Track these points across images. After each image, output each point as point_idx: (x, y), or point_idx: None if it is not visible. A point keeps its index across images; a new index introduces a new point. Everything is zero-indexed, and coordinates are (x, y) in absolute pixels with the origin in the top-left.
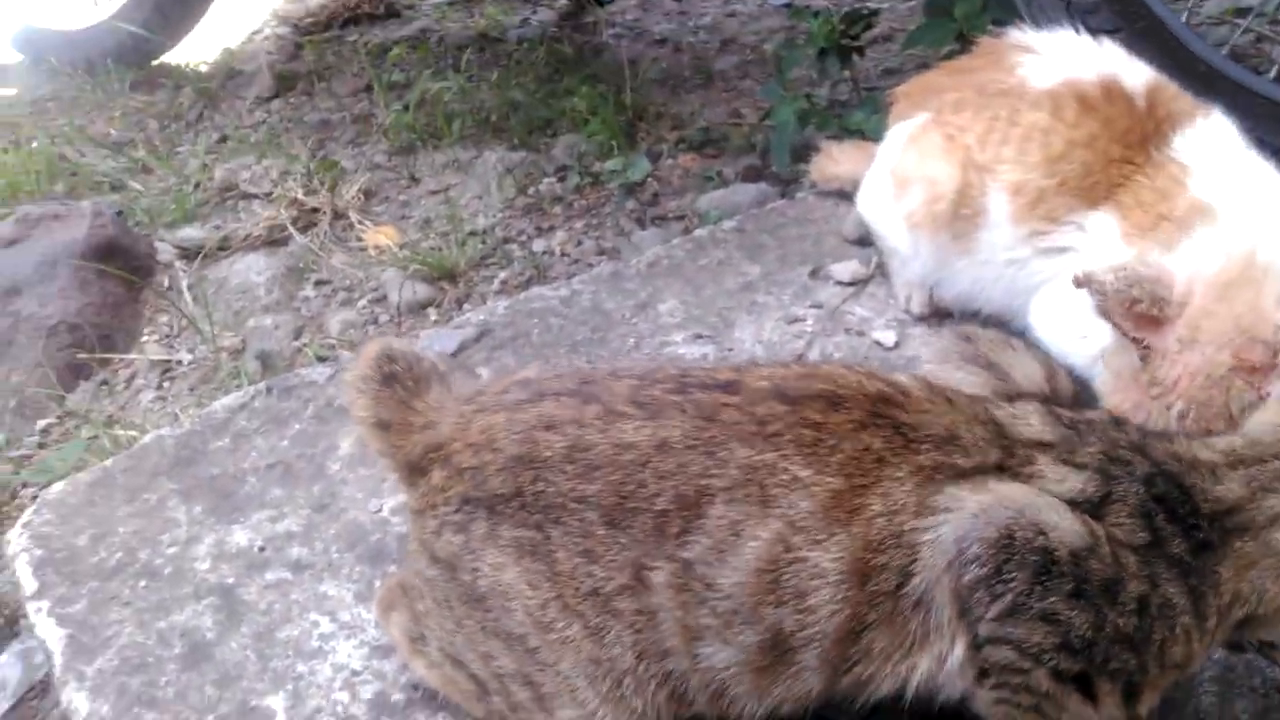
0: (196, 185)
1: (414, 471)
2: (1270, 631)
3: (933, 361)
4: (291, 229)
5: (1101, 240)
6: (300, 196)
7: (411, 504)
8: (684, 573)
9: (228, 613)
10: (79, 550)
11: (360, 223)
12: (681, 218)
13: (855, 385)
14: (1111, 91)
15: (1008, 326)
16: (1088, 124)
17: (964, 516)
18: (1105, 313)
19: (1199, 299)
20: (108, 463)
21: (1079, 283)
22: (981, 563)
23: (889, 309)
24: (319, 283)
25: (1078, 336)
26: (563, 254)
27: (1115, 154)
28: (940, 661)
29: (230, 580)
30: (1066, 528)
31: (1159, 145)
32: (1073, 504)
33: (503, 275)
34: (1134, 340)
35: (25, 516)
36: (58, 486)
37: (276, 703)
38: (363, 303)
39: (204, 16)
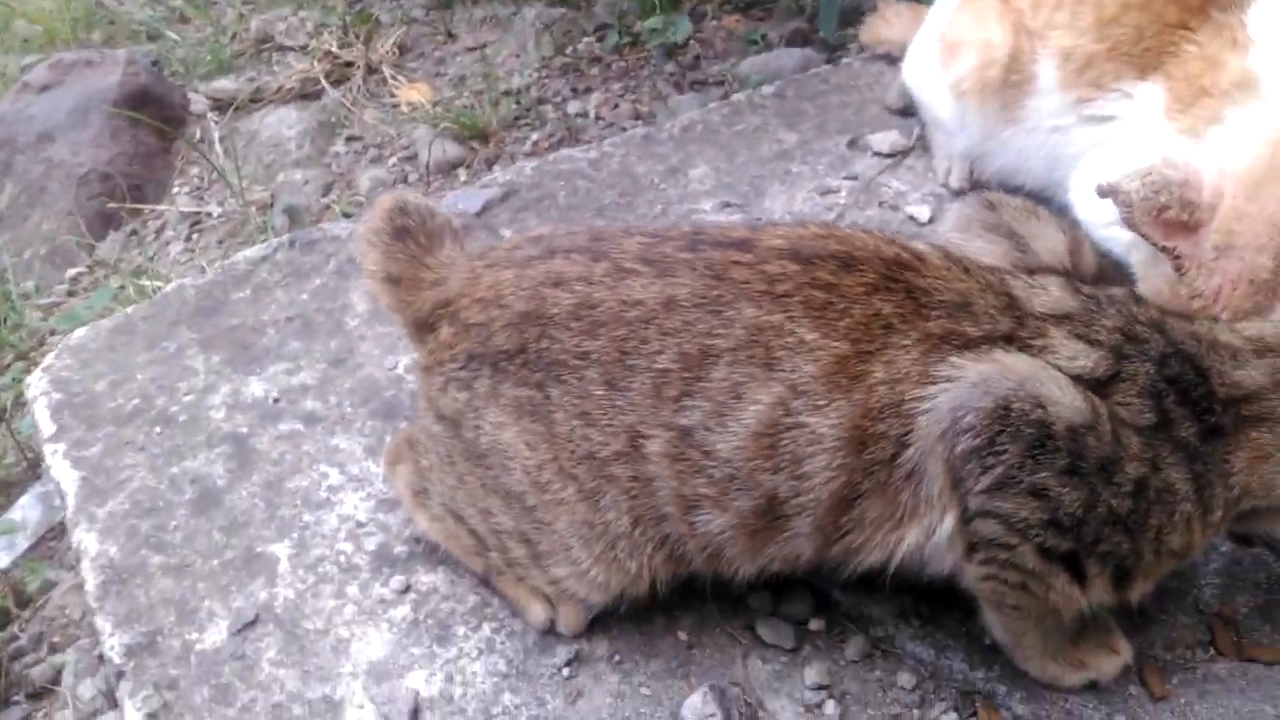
0: (233, 36)
1: (422, 328)
2: (1275, 524)
3: (954, 228)
4: (325, 82)
5: (1146, 112)
6: (334, 49)
7: (420, 360)
8: (680, 441)
9: (239, 461)
10: (97, 395)
11: (394, 78)
12: (721, 82)
13: (872, 248)
14: None
15: (1049, 204)
16: None
17: (963, 386)
18: (1133, 224)
19: (1229, 199)
20: (129, 310)
21: (1103, 192)
22: (975, 433)
23: (927, 183)
24: (350, 139)
25: (1115, 218)
26: (598, 117)
27: (1171, 17)
28: (929, 534)
29: (244, 430)
30: (1067, 403)
31: (1225, 7)
32: (1079, 379)
33: (535, 137)
34: (1166, 250)
35: (46, 361)
36: (79, 332)
37: (281, 550)
38: (393, 160)
39: None
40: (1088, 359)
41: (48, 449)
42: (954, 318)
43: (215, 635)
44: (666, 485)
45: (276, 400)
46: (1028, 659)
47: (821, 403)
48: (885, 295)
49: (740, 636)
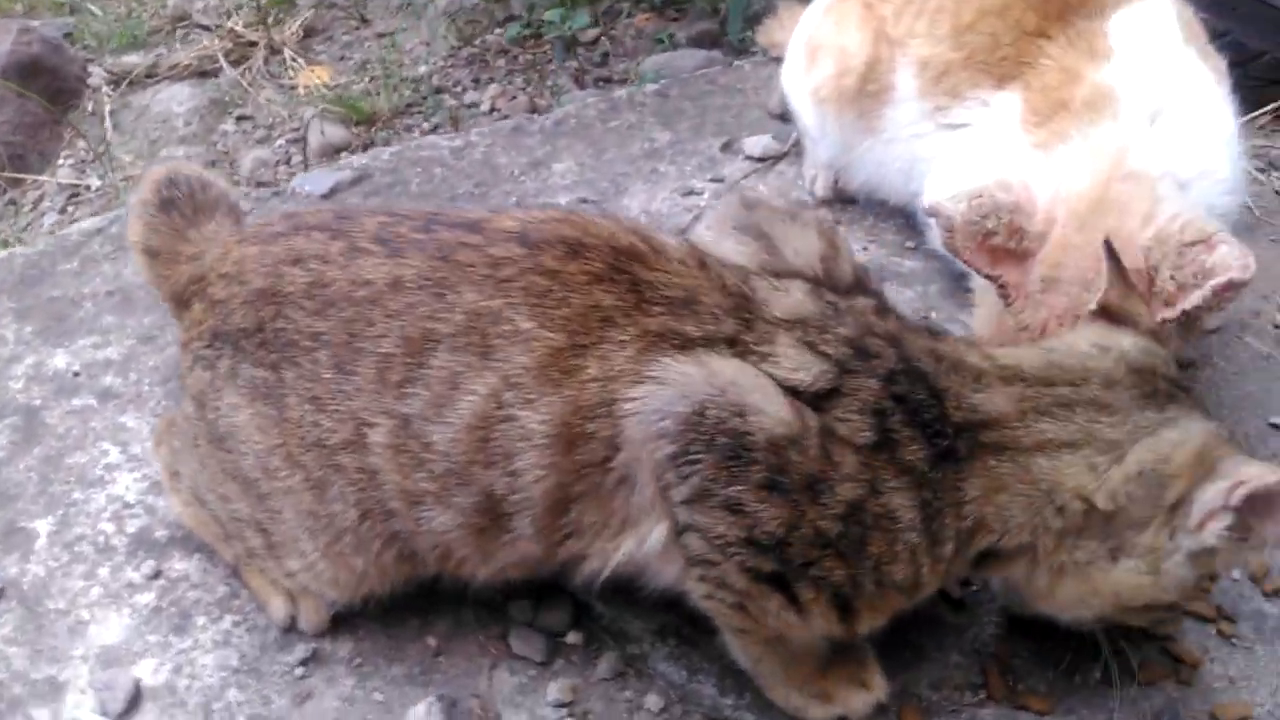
0: (152, 14)
1: (180, 304)
2: (1009, 576)
3: (709, 226)
4: (224, 61)
5: (1002, 123)
6: (239, 28)
7: (179, 337)
8: (402, 431)
9: (25, 434)
10: None
11: (294, 60)
12: (625, 80)
13: (606, 235)
14: None
15: (912, 219)
16: None
17: (664, 388)
18: (954, 249)
19: (1060, 228)
20: None
21: (928, 211)
22: (671, 439)
23: (794, 189)
24: (241, 118)
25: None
26: (494, 108)
27: (1029, 24)
28: (642, 544)
29: (37, 402)
30: (770, 413)
31: (1088, 16)
32: (795, 391)
33: (425, 125)
34: (990, 278)
35: None
36: None
37: (43, 526)
38: (280, 142)
39: None
40: (808, 371)
41: None
42: (676, 315)
43: None
44: (390, 478)
45: (77, 374)
46: (770, 686)
47: (533, 397)
48: (608, 286)
49: (492, 646)
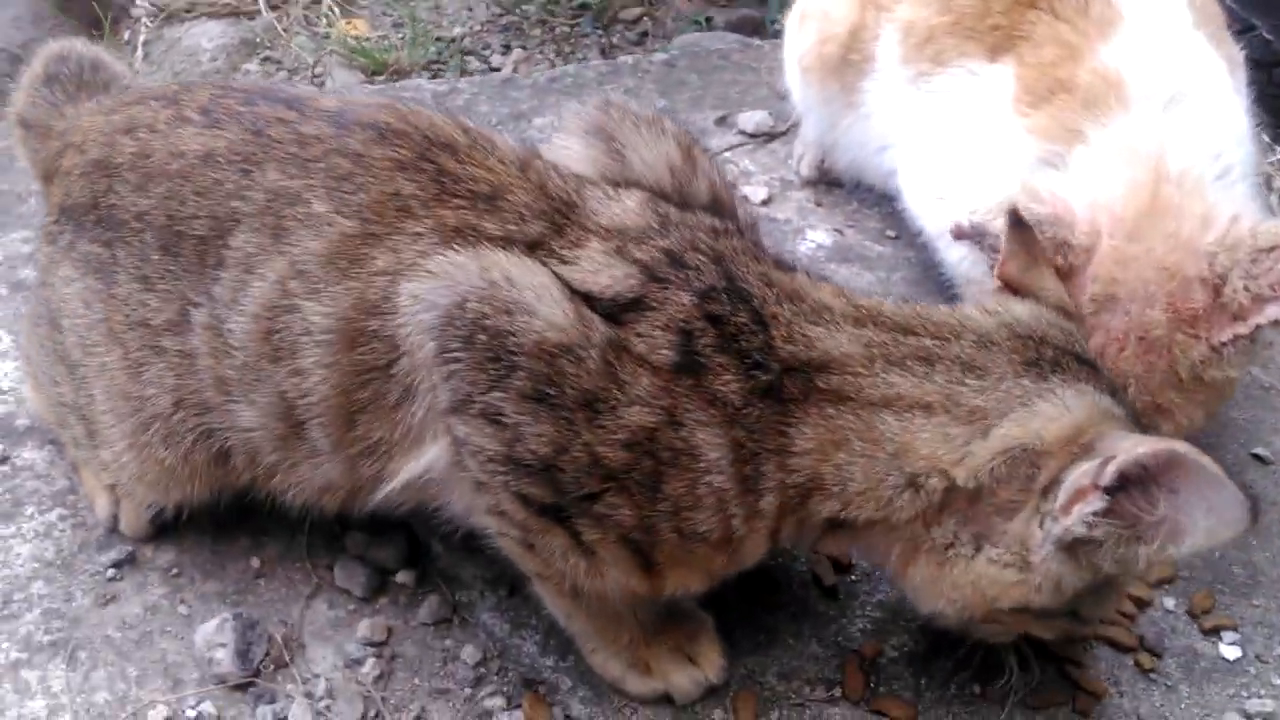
0: None
1: (48, 180)
2: (867, 551)
3: (563, 130)
4: (262, 4)
5: (992, 99)
6: None
7: None
8: (214, 316)
9: None
10: None
11: (332, 10)
12: None
13: (424, 124)
14: None
15: (895, 202)
16: None
17: (435, 281)
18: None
19: (1107, 241)
20: None
21: (958, 234)
22: (431, 334)
23: (781, 167)
24: (266, 59)
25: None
26: (514, 74)
27: None
28: (422, 463)
29: None
30: (543, 314)
31: None
32: (589, 299)
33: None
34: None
35: None
36: None
37: None
38: (301, 86)
39: None
40: (609, 275)
41: None
42: (477, 211)
43: None
44: (205, 363)
45: None
46: (588, 650)
47: (318, 287)
48: (413, 174)
49: (317, 574)
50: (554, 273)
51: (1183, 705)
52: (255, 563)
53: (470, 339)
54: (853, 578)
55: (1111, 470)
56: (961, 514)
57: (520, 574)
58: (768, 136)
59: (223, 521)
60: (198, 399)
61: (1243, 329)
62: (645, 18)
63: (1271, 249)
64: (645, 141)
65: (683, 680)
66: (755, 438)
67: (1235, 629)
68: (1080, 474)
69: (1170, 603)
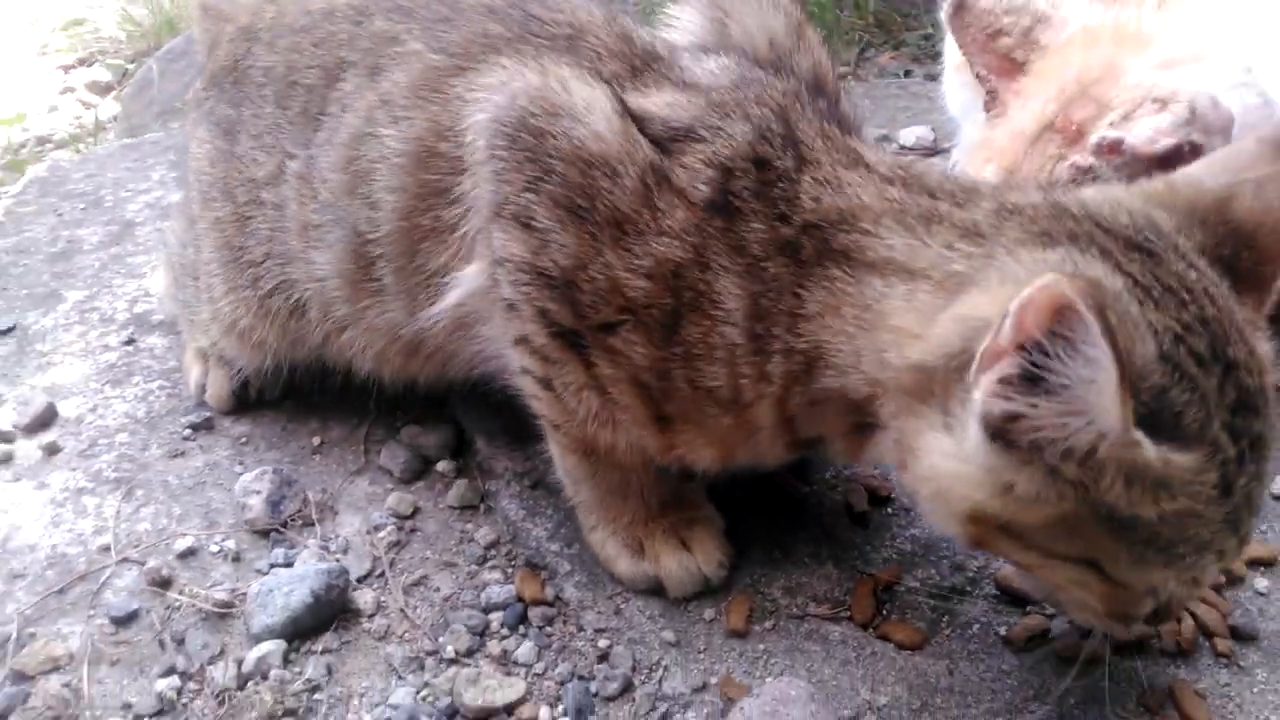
0: None
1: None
2: (881, 454)
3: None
4: None
5: None
6: None
7: None
8: (309, 162)
9: (117, 234)
10: None
11: None
12: None
13: None
14: None
15: None
16: None
17: (500, 91)
18: (956, 30)
19: (1063, 43)
20: None
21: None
22: (484, 132)
23: None
24: None
25: None
26: None
27: None
28: (466, 282)
29: (140, 219)
30: (590, 124)
31: None
32: (642, 121)
33: None
34: (980, 78)
35: None
36: None
37: (74, 295)
38: None
39: None
40: (665, 103)
41: None
42: (557, 48)
43: None
44: (292, 209)
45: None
46: (588, 524)
47: (399, 115)
48: (501, 18)
49: (366, 455)
50: (614, 93)
51: (1255, 689)
52: (316, 440)
53: (515, 137)
54: (889, 510)
55: (1009, 325)
56: (940, 399)
57: (543, 451)
58: (928, 151)
59: (296, 407)
60: (283, 249)
61: (1081, 160)
62: (850, 77)
63: (1161, 103)
64: (751, 11)
65: (673, 564)
66: (770, 296)
67: None
68: (991, 333)
69: (1263, 584)
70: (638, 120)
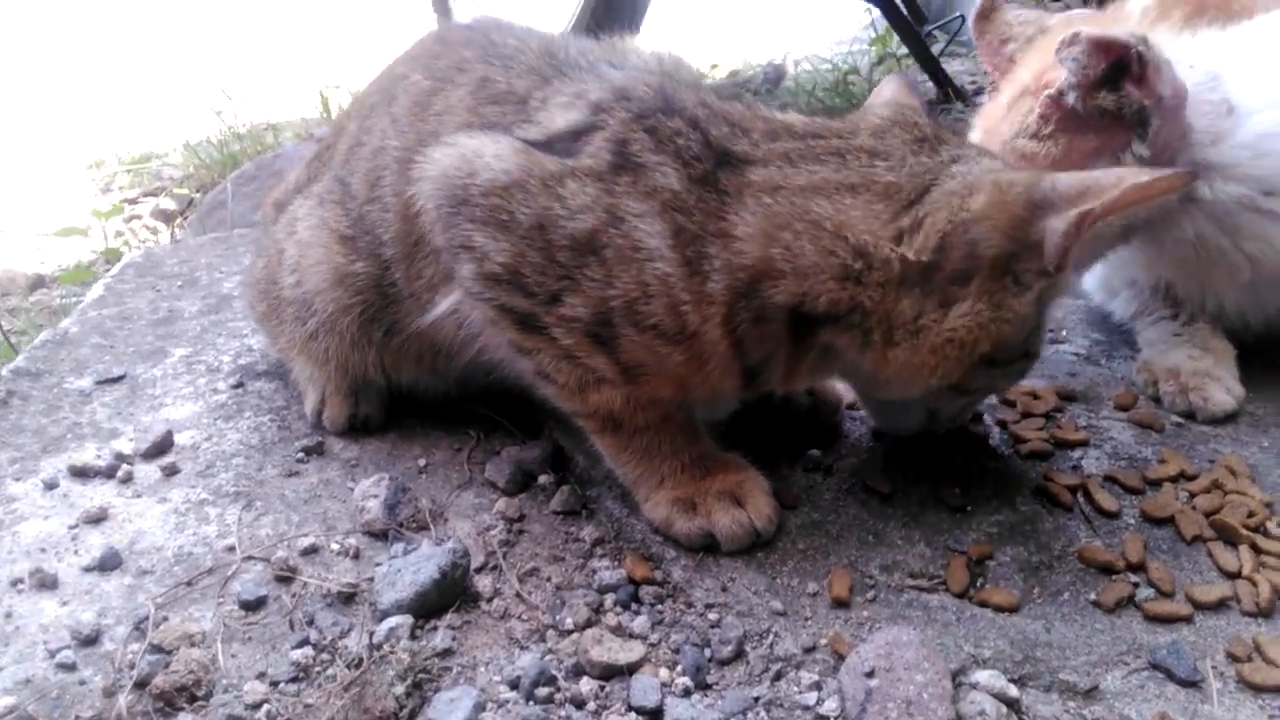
0: None
1: None
2: (843, 354)
3: None
4: None
5: None
6: None
7: None
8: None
9: (215, 305)
10: None
11: None
12: None
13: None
14: None
15: None
16: None
17: (431, 165)
18: (980, 47)
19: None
20: None
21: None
22: (430, 200)
23: None
24: None
25: None
26: None
27: None
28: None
29: (228, 287)
30: (497, 167)
31: None
32: (551, 138)
33: None
34: (989, 74)
35: None
36: None
37: (179, 351)
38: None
39: None
40: (564, 119)
41: None
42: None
43: (85, 381)
44: (373, 217)
45: None
46: (640, 496)
47: (402, 128)
48: (473, 48)
49: (471, 472)
50: (516, 137)
51: None
52: (421, 462)
53: (450, 194)
54: (967, 502)
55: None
56: (920, 288)
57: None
58: None
59: (400, 436)
60: (374, 244)
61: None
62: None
63: (1102, 50)
64: None
65: (725, 519)
66: (696, 220)
67: None
68: (1057, 228)
69: None
70: (543, 144)
